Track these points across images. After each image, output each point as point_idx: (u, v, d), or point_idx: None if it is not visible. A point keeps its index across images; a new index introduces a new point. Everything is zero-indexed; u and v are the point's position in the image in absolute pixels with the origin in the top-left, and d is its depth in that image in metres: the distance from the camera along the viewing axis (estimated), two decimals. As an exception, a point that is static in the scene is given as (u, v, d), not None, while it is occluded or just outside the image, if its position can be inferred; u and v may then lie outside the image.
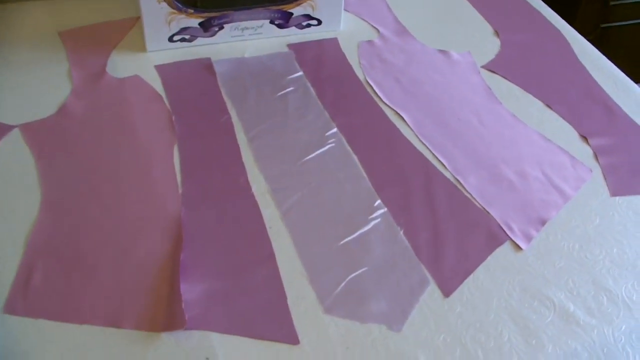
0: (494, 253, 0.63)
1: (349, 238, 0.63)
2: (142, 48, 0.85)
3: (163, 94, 0.79)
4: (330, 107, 0.79)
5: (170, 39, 0.85)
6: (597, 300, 0.60)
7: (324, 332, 0.55)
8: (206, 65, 0.84)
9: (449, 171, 0.71)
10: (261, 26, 0.88)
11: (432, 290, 0.59)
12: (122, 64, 0.83)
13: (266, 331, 0.55)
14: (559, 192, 0.70)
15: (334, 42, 0.90)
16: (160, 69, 0.83)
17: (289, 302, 0.57)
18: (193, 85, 0.81)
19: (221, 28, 0.86)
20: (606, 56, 0.91)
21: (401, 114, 0.78)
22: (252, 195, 0.67)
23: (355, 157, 0.72)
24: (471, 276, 0.61)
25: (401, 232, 0.64)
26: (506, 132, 0.77)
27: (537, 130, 0.77)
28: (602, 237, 0.66)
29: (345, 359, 0.54)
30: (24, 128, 0.72)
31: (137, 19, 0.89)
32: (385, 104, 0.80)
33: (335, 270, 0.60)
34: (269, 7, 0.86)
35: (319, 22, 0.90)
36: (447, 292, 0.59)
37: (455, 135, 0.76)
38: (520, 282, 0.61)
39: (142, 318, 0.55)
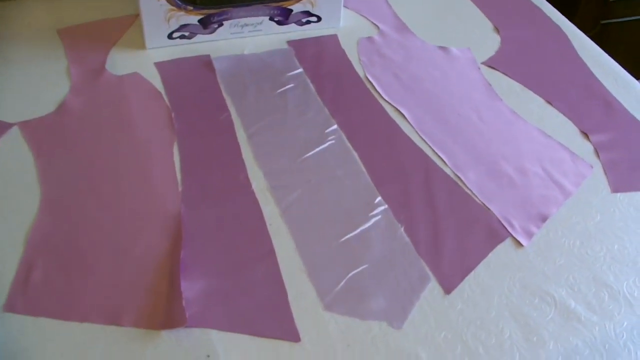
0: (494, 250, 0.63)
1: (350, 235, 0.63)
2: (142, 45, 0.85)
3: (162, 91, 0.78)
4: (330, 103, 0.79)
5: (170, 36, 0.84)
6: (598, 296, 0.60)
7: (324, 330, 0.55)
8: (205, 62, 0.83)
9: (449, 167, 0.71)
10: (261, 23, 0.87)
11: (433, 287, 0.59)
12: (121, 62, 0.83)
13: (267, 328, 0.55)
14: (560, 188, 0.70)
15: (333, 38, 0.90)
16: (160, 66, 0.82)
17: (289, 299, 0.57)
18: (192, 83, 0.80)
19: (220, 25, 0.86)
20: (606, 53, 0.91)
21: (401, 110, 0.78)
22: (252, 193, 0.67)
23: (355, 154, 0.72)
24: (472, 273, 0.61)
25: (402, 229, 0.64)
26: (506, 128, 0.77)
27: (538, 127, 0.77)
28: (602, 233, 0.65)
29: (346, 356, 0.53)
30: (23, 126, 0.72)
31: (136, 16, 0.89)
32: (385, 100, 0.80)
33: (336, 268, 0.60)
34: (269, 4, 0.86)
35: (319, 19, 0.90)
36: (447, 289, 0.59)
37: (455, 131, 0.76)
38: (521, 279, 0.61)
39: (142, 316, 0.55)
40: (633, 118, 0.80)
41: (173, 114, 0.75)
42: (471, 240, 0.64)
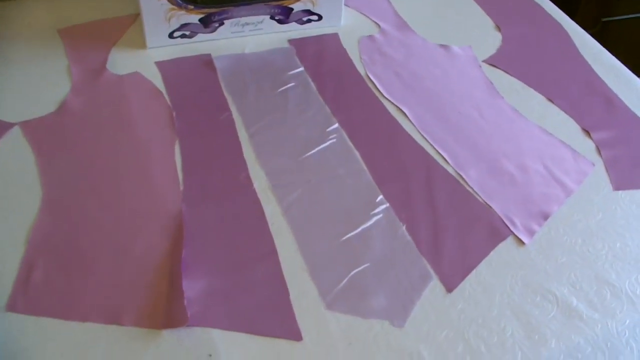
0: (496, 248, 0.63)
1: (351, 234, 0.63)
2: (142, 45, 0.85)
3: (163, 90, 0.78)
4: (331, 102, 0.78)
5: (170, 35, 0.84)
6: (600, 294, 0.60)
7: (325, 328, 0.55)
8: (206, 62, 0.83)
9: (451, 165, 0.71)
10: (261, 22, 0.87)
11: (435, 285, 0.59)
12: (122, 61, 0.82)
13: (268, 327, 0.55)
14: (561, 185, 0.69)
15: (334, 37, 0.90)
16: (161, 65, 0.82)
17: (291, 298, 0.57)
18: (193, 82, 0.80)
19: (221, 24, 0.86)
20: (608, 50, 0.91)
21: (402, 108, 0.78)
22: (254, 192, 0.67)
23: (356, 153, 0.72)
24: (473, 271, 0.61)
25: (403, 228, 0.64)
26: (507, 126, 0.77)
27: (539, 124, 0.77)
28: (604, 231, 0.65)
29: (347, 355, 0.53)
30: (24, 125, 0.72)
31: (137, 15, 0.89)
32: (387, 98, 0.80)
33: (337, 266, 0.60)
34: (269, 3, 0.85)
35: (320, 18, 0.90)
36: (449, 287, 0.59)
37: (456, 129, 0.76)
38: (522, 277, 0.60)
39: (143, 315, 0.55)
40: (634, 115, 0.80)
41: (174, 113, 0.75)
42: (473, 239, 0.64)
